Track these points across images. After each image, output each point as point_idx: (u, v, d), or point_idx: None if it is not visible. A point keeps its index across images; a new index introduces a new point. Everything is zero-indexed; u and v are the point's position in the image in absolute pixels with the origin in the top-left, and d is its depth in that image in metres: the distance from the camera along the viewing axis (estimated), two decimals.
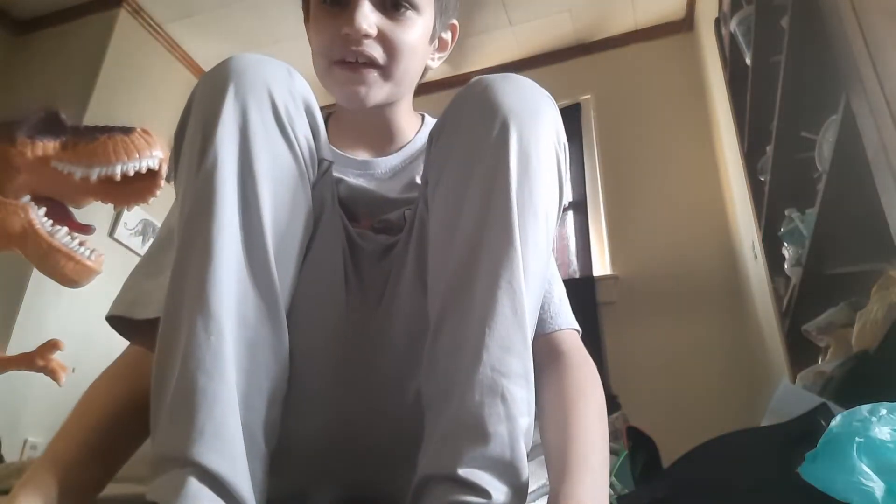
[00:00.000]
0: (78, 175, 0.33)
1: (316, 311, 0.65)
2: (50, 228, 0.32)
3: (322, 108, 0.70)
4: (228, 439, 0.50)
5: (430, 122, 0.92)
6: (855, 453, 0.58)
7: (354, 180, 0.80)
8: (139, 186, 0.34)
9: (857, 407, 0.64)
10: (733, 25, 2.06)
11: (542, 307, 0.70)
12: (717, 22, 2.44)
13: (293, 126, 0.63)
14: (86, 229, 0.35)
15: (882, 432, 0.59)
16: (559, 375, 0.66)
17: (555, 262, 0.81)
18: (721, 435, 0.93)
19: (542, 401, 0.64)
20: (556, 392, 0.64)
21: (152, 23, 3.05)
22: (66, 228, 0.33)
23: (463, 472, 0.50)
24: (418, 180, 0.80)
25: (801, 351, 1.70)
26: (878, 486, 0.56)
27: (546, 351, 0.70)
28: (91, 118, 2.70)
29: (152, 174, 0.33)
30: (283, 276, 0.60)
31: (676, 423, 1.70)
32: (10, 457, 2.07)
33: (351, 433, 0.65)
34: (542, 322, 0.70)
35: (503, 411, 0.52)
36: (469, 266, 0.57)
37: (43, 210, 0.33)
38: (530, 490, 0.55)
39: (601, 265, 2.84)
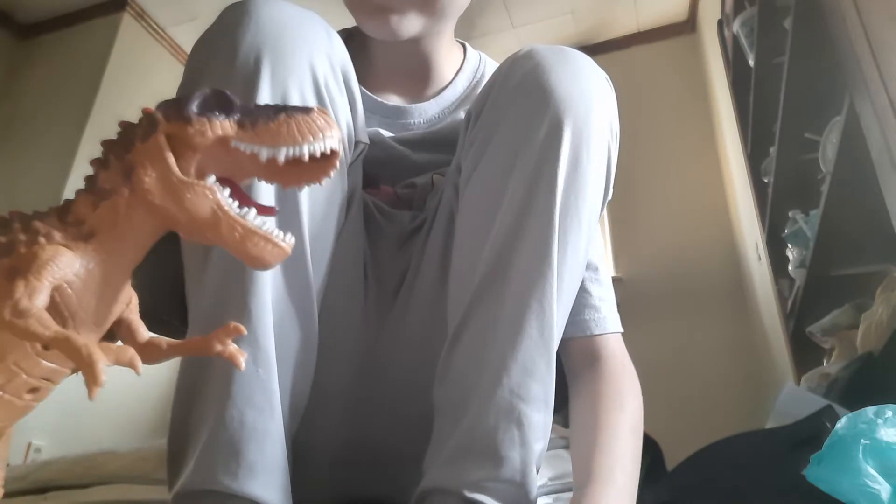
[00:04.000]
0: (264, 156, 0.32)
1: (336, 307, 0.60)
2: (238, 210, 0.32)
3: (342, 31, 0.61)
4: (278, 471, 0.49)
5: (473, 56, 0.81)
6: (861, 455, 0.58)
7: (382, 134, 0.69)
8: (313, 167, 0.34)
9: (863, 409, 0.63)
10: (736, 27, 2.05)
11: (582, 309, 0.65)
12: (720, 23, 2.44)
13: (335, 108, 0.56)
14: (270, 211, 0.34)
15: (888, 434, 0.59)
16: (596, 382, 0.62)
17: (603, 254, 0.72)
18: (726, 437, 0.93)
19: (575, 406, 0.62)
20: (590, 400, 0.61)
21: (156, 26, 3.06)
22: (254, 210, 0.32)
23: (469, 493, 0.48)
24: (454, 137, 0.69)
25: (805, 353, 1.70)
26: (884, 489, 0.56)
27: (584, 354, 0.65)
28: (95, 121, 2.71)
29: (326, 155, 0.33)
30: (316, 278, 0.55)
31: (680, 426, 1.69)
32: (15, 460, 2.08)
33: (366, 432, 0.62)
34: (582, 324, 0.65)
35: (518, 436, 0.50)
36: (498, 278, 0.53)
37: (227, 191, 0.32)
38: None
39: None
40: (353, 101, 0.60)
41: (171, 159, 0.34)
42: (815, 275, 1.55)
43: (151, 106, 0.36)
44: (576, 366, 0.65)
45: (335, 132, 0.35)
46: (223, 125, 0.35)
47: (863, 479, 0.57)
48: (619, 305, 0.70)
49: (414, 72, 0.75)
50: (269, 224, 0.35)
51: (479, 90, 0.77)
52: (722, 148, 2.75)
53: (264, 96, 0.51)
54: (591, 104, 0.56)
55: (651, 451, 1.28)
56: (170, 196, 0.34)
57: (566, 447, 0.86)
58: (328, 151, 0.35)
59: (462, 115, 0.74)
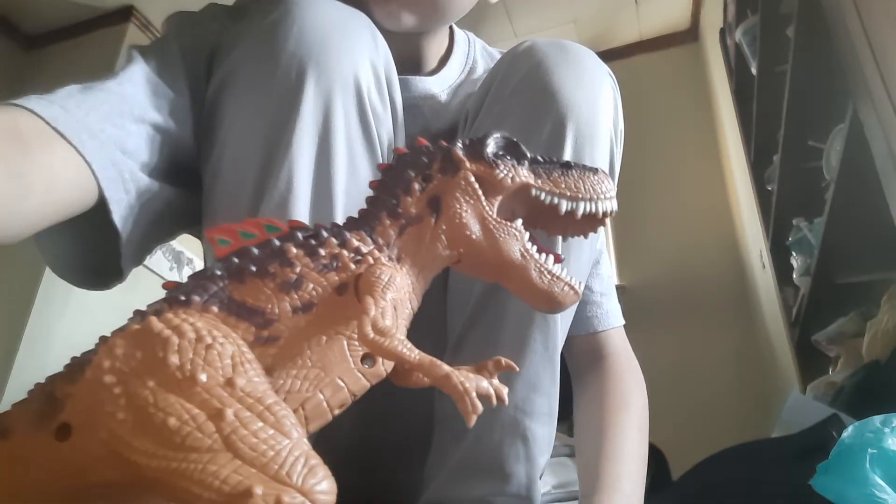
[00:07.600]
0: (564, 207, 0.33)
1: None
2: (538, 255, 0.32)
3: None
4: None
5: (461, 38, 0.78)
6: (868, 465, 0.57)
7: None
8: (582, 221, 0.34)
9: (870, 418, 0.63)
10: (738, 35, 2.06)
11: (584, 306, 0.64)
12: (723, 32, 2.44)
13: (378, 124, 0.54)
14: (559, 258, 0.34)
15: (895, 443, 0.59)
16: (601, 381, 0.61)
17: (603, 245, 0.70)
18: (731, 447, 0.93)
19: (581, 406, 0.61)
20: (596, 400, 0.60)
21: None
22: (553, 256, 0.32)
23: None
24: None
25: (811, 361, 1.69)
26: (891, 499, 0.55)
27: (589, 351, 0.64)
28: None
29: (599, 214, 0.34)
30: None
31: (685, 435, 1.68)
32: None
33: (370, 435, 0.61)
34: (586, 322, 0.64)
35: (523, 452, 0.50)
36: (499, 290, 0.51)
37: (527, 235, 0.32)
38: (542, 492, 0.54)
39: None
40: (395, 113, 0.58)
41: (485, 199, 0.35)
42: (820, 283, 1.55)
43: None
44: (580, 364, 0.64)
45: (615, 193, 0.37)
46: (524, 172, 0.36)
47: (870, 488, 0.56)
48: (622, 314, 0.70)
49: (399, 55, 0.72)
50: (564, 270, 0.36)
51: (475, 76, 0.74)
52: (725, 156, 2.75)
53: (307, 111, 0.49)
54: (595, 101, 0.54)
55: (656, 460, 1.27)
56: (485, 233, 0.35)
57: (570, 455, 0.86)
58: (614, 213, 0.36)
59: (457, 99, 0.71)
